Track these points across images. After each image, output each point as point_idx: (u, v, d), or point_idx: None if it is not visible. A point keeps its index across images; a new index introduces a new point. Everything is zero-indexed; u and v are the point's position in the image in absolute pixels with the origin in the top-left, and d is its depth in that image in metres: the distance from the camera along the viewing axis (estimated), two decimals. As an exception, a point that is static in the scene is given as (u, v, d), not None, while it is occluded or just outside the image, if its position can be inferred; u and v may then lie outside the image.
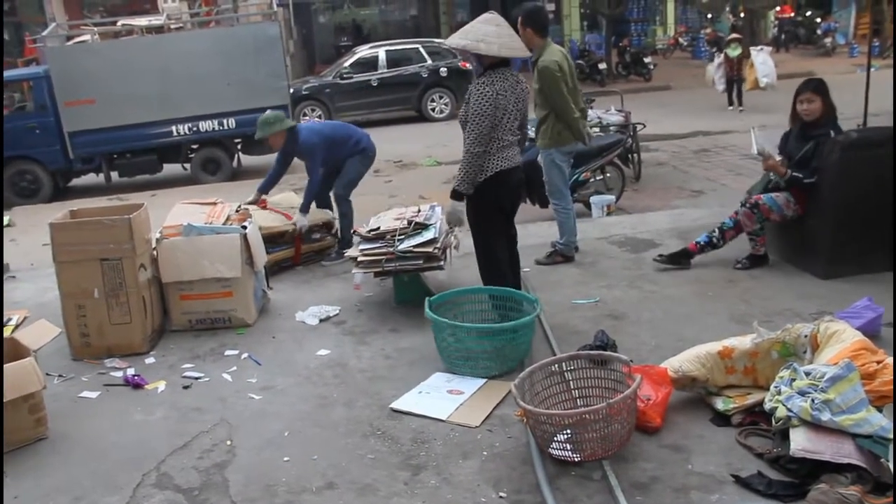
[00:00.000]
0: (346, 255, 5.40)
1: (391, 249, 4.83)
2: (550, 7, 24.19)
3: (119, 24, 12.71)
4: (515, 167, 4.37)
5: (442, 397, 3.81)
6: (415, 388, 3.93)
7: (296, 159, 6.37)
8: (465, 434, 3.47)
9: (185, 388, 4.17)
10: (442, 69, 16.48)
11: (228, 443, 3.55)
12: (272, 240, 5.84)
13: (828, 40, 25.18)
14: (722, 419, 3.39)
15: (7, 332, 4.91)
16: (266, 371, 4.31)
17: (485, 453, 3.31)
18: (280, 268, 6.03)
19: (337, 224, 6.40)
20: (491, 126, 4.19)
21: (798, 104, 5.10)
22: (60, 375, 4.39)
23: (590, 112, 7.99)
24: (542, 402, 3.43)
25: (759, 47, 14.78)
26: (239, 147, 12.32)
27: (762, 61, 14.10)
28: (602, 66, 20.19)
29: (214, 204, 5.55)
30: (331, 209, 6.45)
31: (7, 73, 12.40)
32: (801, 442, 2.90)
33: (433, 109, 16.58)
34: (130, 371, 4.35)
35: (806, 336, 3.40)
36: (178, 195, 8.86)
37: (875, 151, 4.96)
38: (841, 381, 2.95)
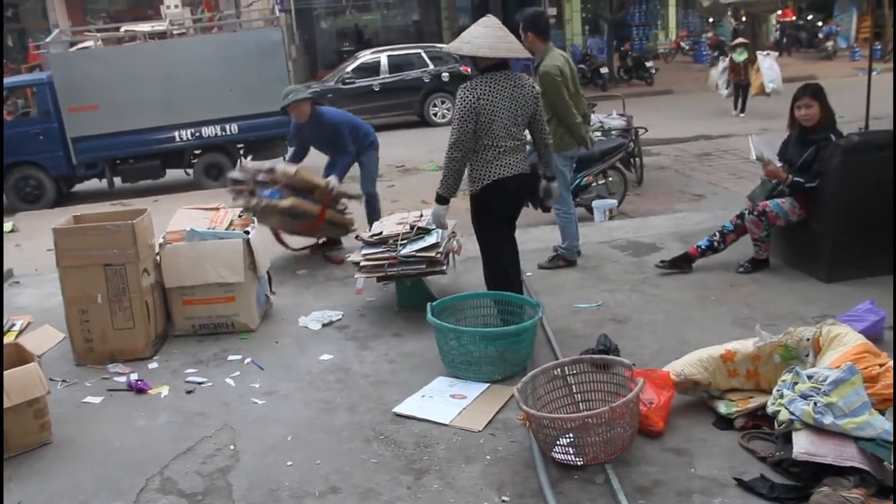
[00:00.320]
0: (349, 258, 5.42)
1: (394, 254, 4.84)
2: (552, 11, 24.24)
3: (122, 30, 12.74)
4: (518, 175, 4.31)
5: (445, 402, 3.81)
6: (418, 392, 3.94)
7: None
8: (467, 438, 3.48)
9: (189, 392, 4.18)
10: (444, 74, 16.52)
11: (232, 447, 3.56)
12: (307, 190, 5.93)
13: (829, 44, 25.21)
14: (724, 423, 3.39)
15: (11, 338, 4.96)
16: (269, 376, 4.32)
17: (488, 457, 3.31)
18: (295, 233, 6.18)
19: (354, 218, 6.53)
20: (473, 132, 4.18)
21: (796, 110, 5.11)
22: (64, 380, 4.40)
23: (592, 116, 8.00)
24: (544, 406, 3.43)
25: (765, 52, 14.52)
26: (241, 152, 12.34)
27: (769, 66, 13.81)
28: (604, 70, 20.20)
29: (217, 209, 5.56)
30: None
31: (11, 80, 12.47)
32: (803, 445, 2.90)
33: (435, 114, 16.61)
34: (134, 376, 4.36)
35: (808, 339, 3.40)
36: (180, 200, 8.88)
37: (877, 155, 4.96)
38: (843, 385, 2.95)
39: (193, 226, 5.05)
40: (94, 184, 12.30)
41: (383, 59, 16.80)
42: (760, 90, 13.88)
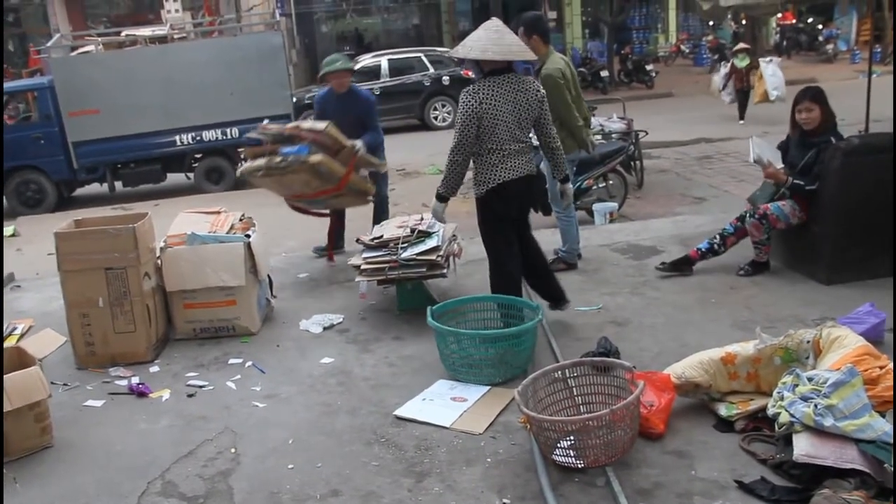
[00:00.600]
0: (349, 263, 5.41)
1: (394, 257, 4.84)
2: (552, 15, 24.29)
3: (123, 34, 12.78)
4: (523, 177, 4.31)
5: (445, 404, 3.81)
6: (418, 395, 3.94)
7: None
8: (468, 441, 3.48)
9: (190, 396, 4.18)
10: (444, 78, 16.53)
11: (233, 451, 3.56)
12: (333, 151, 5.59)
13: (829, 47, 25.21)
14: (725, 425, 3.40)
15: (12, 341, 4.96)
16: (270, 379, 4.32)
17: (488, 460, 3.31)
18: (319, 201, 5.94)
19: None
20: (475, 136, 4.20)
21: (797, 113, 5.12)
22: (65, 384, 4.40)
23: (592, 120, 8.01)
24: (545, 409, 3.44)
25: (768, 58, 14.29)
26: (242, 156, 12.34)
27: (772, 73, 13.56)
28: (604, 73, 20.21)
29: (218, 213, 5.57)
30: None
31: (12, 84, 12.49)
32: (804, 447, 2.91)
33: (436, 118, 16.63)
34: (135, 379, 4.36)
35: (808, 342, 3.41)
36: (181, 204, 8.90)
37: (876, 157, 4.97)
38: (843, 387, 2.96)
39: (194, 229, 5.05)
40: (94, 188, 12.33)
41: (384, 62, 16.82)
42: (764, 97, 13.56)
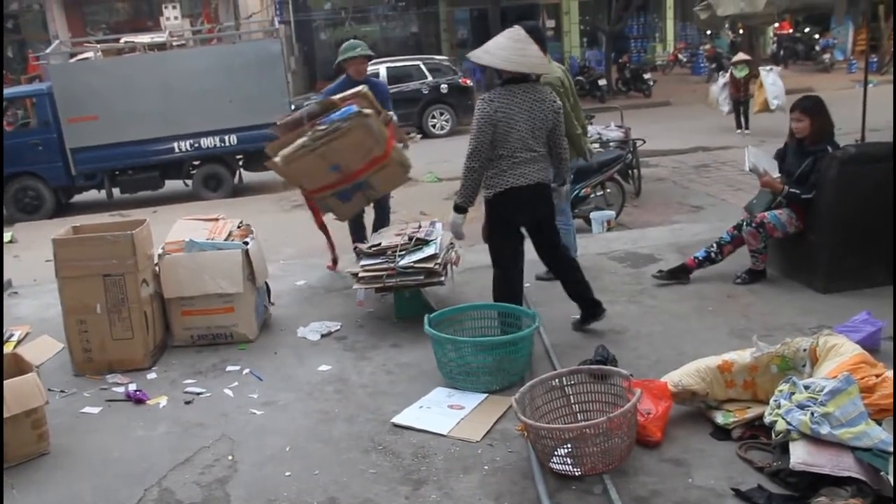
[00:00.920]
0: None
1: (392, 265, 4.85)
2: (550, 24, 24.39)
3: (122, 41, 12.79)
4: (532, 184, 4.33)
5: (443, 412, 3.81)
6: (416, 402, 3.94)
7: None
8: (466, 448, 3.48)
9: (187, 403, 4.18)
10: (442, 86, 16.58)
11: (230, 458, 3.56)
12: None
13: (826, 56, 25.31)
14: (722, 433, 3.40)
15: (10, 348, 4.95)
16: (267, 386, 4.32)
17: (486, 468, 3.31)
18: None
19: None
20: (490, 142, 4.23)
21: (791, 121, 5.16)
22: (62, 391, 4.40)
23: (590, 128, 8.04)
24: (542, 417, 3.44)
25: (768, 67, 14.21)
26: (240, 163, 12.37)
27: (772, 82, 13.50)
28: (602, 82, 20.27)
29: (216, 220, 5.57)
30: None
31: (11, 90, 12.53)
32: (800, 455, 2.91)
33: (434, 126, 16.67)
34: (132, 386, 4.36)
35: (805, 350, 3.42)
36: (179, 211, 8.89)
37: (873, 166, 4.99)
38: (840, 395, 2.96)
39: (192, 236, 5.06)
40: (92, 195, 12.33)
41: (382, 70, 16.84)
42: (764, 106, 13.49)
